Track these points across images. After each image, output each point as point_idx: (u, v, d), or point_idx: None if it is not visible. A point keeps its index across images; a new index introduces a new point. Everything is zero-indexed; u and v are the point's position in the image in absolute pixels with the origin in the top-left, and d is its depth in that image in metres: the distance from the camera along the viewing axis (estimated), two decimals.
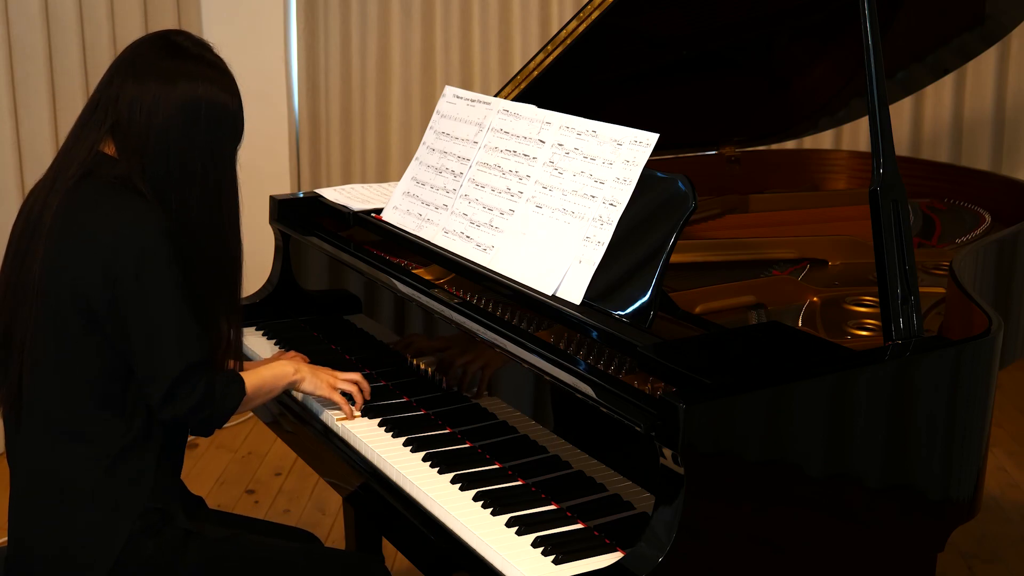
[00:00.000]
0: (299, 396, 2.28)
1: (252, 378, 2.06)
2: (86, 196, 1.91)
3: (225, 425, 2.02)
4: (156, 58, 1.95)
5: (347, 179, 4.72)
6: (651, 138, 2.00)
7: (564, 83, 2.64)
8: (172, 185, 1.93)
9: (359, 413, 2.18)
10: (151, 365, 1.88)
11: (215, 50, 2.02)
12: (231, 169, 2.00)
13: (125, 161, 1.92)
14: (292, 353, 2.39)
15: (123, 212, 1.88)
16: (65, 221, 1.90)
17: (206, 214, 1.96)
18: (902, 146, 4.60)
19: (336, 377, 2.20)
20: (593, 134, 2.09)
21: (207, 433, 2.02)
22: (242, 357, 2.15)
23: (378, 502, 2.00)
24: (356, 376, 2.21)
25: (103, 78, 1.99)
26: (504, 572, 1.69)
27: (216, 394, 1.94)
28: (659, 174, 1.97)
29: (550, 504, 1.85)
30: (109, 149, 1.95)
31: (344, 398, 2.18)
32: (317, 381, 2.17)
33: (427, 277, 2.31)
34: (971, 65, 4.17)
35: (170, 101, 1.91)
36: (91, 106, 1.98)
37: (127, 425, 1.91)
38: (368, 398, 2.21)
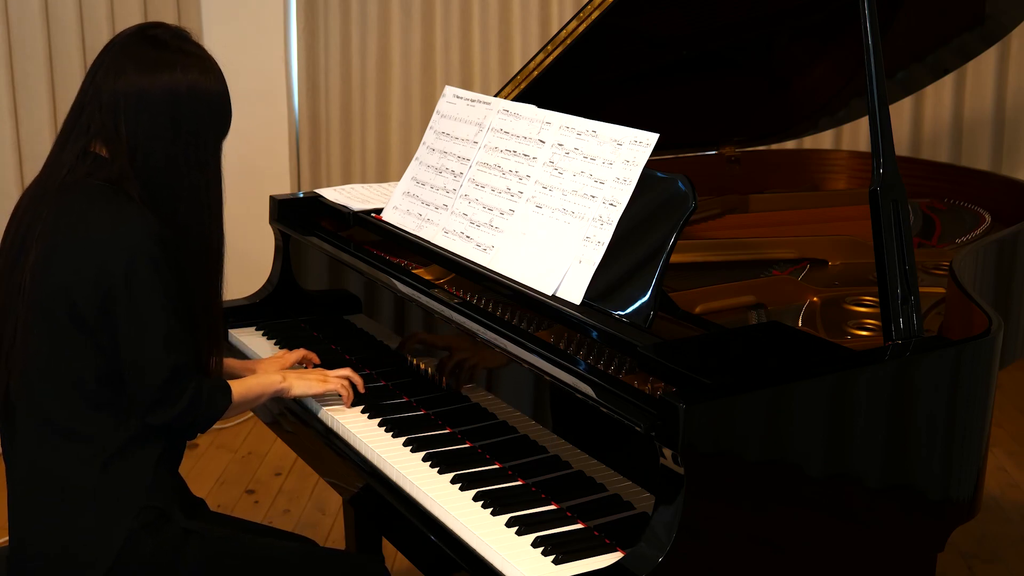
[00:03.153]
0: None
1: (238, 386, 2.07)
2: (77, 202, 1.91)
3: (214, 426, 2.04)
4: (135, 53, 1.94)
5: (347, 179, 4.72)
6: (651, 138, 2.00)
7: (564, 83, 2.64)
8: (161, 181, 1.93)
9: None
10: (139, 370, 1.89)
11: (194, 38, 2.02)
12: (216, 158, 2.00)
13: (116, 161, 1.92)
14: (301, 351, 2.39)
15: (114, 219, 1.88)
16: (56, 227, 1.90)
17: (193, 206, 1.96)
18: (902, 146, 4.60)
19: (326, 373, 2.22)
20: (593, 134, 2.09)
21: (190, 437, 2.06)
22: (223, 354, 2.14)
23: (378, 502, 2.00)
24: (346, 372, 2.23)
25: (84, 80, 1.98)
26: (504, 572, 1.69)
27: (202, 401, 1.96)
28: (659, 174, 1.97)
29: (550, 504, 1.85)
30: (101, 150, 1.95)
31: (340, 386, 2.19)
32: (306, 383, 2.18)
33: (427, 277, 2.31)
34: (971, 65, 4.17)
35: (153, 92, 1.91)
36: (76, 110, 1.98)
37: (123, 425, 1.91)
38: (362, 390, 2.22)
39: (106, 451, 1.90)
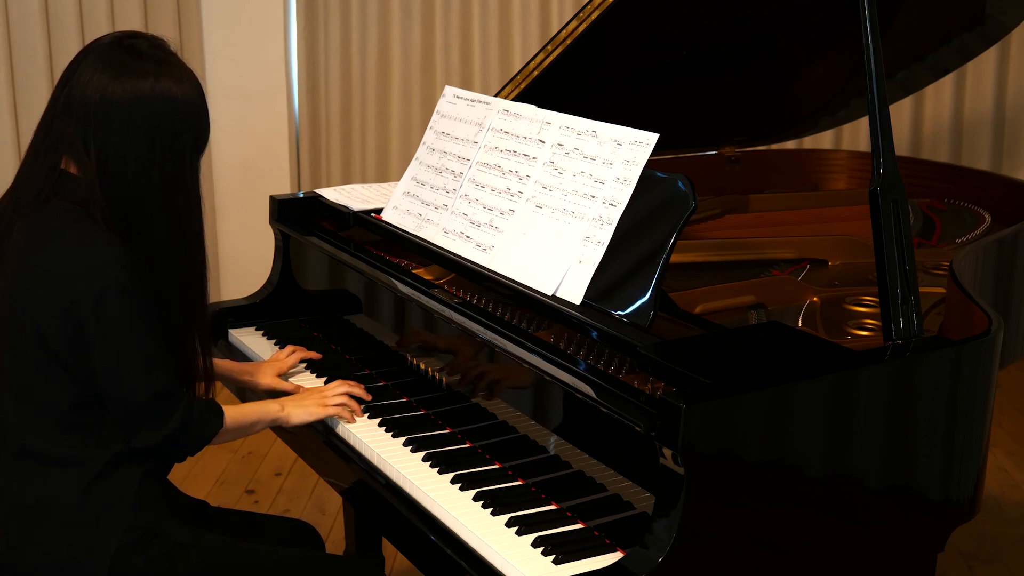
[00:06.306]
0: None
1: (234, 412, 2.02)
2: (44, 227, 1.85)
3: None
4: (108, 62, 1.86)
5: (347, 179, 4.72)
6: (651, 138, 2.00)
7: (564, 83, 2.64)
8: (133, 200, 1.86)
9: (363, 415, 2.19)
10: (120, 398, 1.85)
11: (171, 47, 1.93)
12: (193, 176, 1.92)
13: (84, 180, 1.85)
14: (296, 355, 2.38)
15: (81, 247, 1.82)
16: (23, 255, 1.85)
17: (168, 231, 1.89)
18: (902, 146, 4.60)
19: (325, 395, 2.16)
20: (593, 134, 2.09)
21: (179, 459, 2.00)
22: (212, 380, 2.09)
23: (378, 502, 2.00)
24: (344, 388, 2.18)
25: (55, 90, 1.91)
26: (504, 572, 1.70)
27: (194, 424, 1.92)
28: (659, 174, 1.97)
29: (550, 504, 1.85)
30: (71, 166, 1.88)
31: (342, 408, 2.15)
32: (305, 410, 2.12)
33: (427, 277, 2.31)
34: (971, 65, 4.18)
35: (123, 101, 1.83)
36: (46, 122, 1.91)
37: (102, 448, 1.87)
38: (368, 398, 2.20)
39: (86, 474, 1.86)
